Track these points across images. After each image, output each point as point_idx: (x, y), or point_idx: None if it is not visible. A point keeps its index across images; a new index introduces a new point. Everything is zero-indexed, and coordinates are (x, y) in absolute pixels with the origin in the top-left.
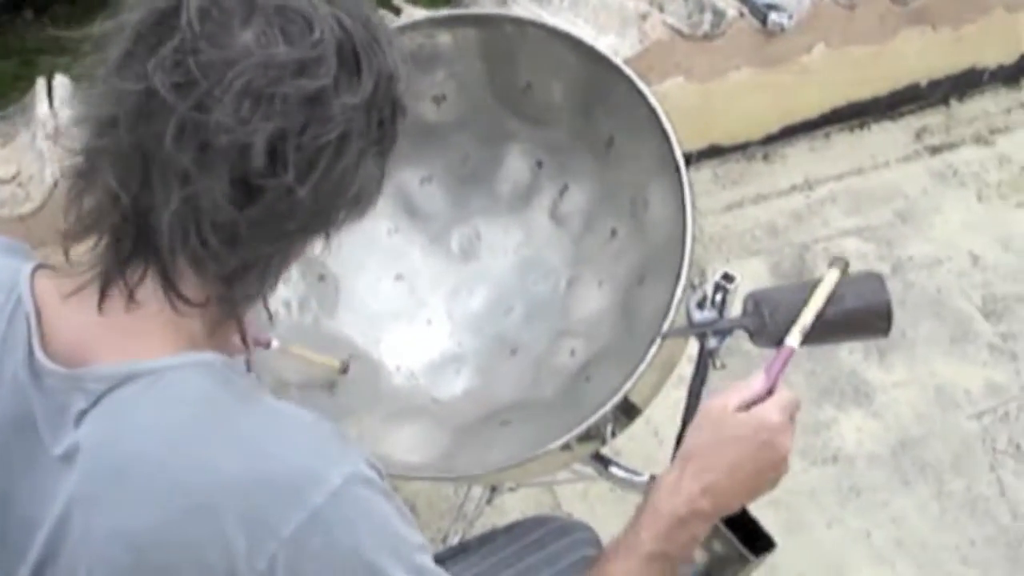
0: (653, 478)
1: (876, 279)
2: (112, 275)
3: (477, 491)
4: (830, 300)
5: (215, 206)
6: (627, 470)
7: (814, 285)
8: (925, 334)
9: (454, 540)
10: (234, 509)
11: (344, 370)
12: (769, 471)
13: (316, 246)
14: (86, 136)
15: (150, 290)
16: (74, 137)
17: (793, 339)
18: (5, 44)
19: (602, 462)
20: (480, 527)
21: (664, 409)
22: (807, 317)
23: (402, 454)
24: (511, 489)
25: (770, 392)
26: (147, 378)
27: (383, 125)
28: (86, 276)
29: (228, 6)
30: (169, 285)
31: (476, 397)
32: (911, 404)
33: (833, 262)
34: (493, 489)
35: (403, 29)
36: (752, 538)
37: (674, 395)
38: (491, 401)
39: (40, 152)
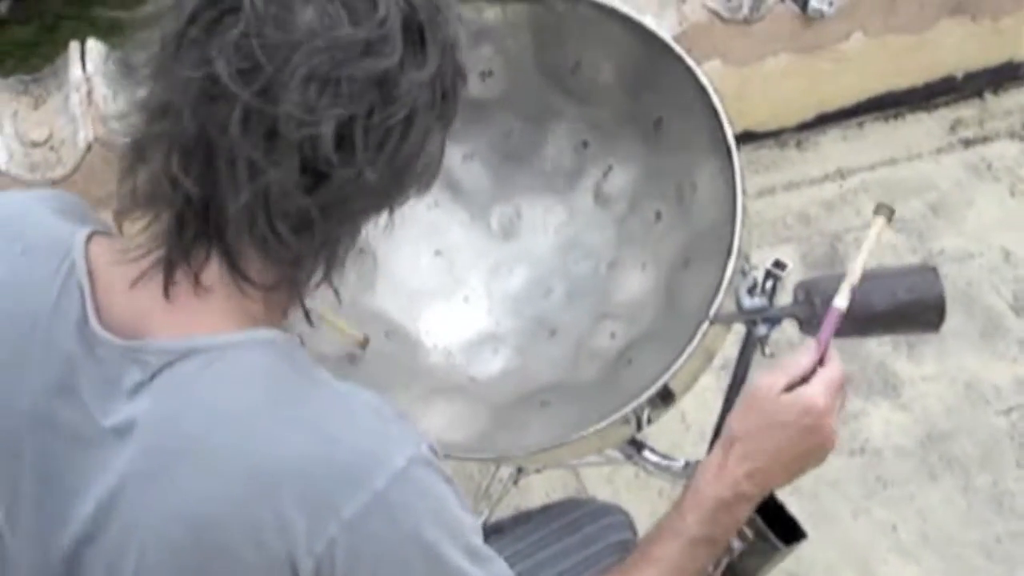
0: (688, 464)
1: (930, 272)
2: (176, 259)
3: (504, 471)
4: (880, 290)
5: (284, 194)
6: (661, 455)
7: (866, 274)
8: (955, 328)
9: (480, 520)
10: (295, 491)
11: (364, 345)
12: (814, 454)
13: (380, 221)
14: (138, 121)
15: (215, 272)
16: (121, 118)
17: (841, 299)
18: (26, 10)
19: (635, 446)
20: (504, 507)
21: (691, 395)
22: (855, 270)
23: (438, 432)
24: (537, 471)
25: (821, 360)
26: (208, 354)
27: (447, 96)
28: (148, 260)
29: None
30: (236, 269)
31: (514, 377)
32: (940, 398)
33: (878, 208)
34: (519, 470)
35: None
36: (783, 527)
37: (702, 382)
38: (529, 382)
39: (73, 116)
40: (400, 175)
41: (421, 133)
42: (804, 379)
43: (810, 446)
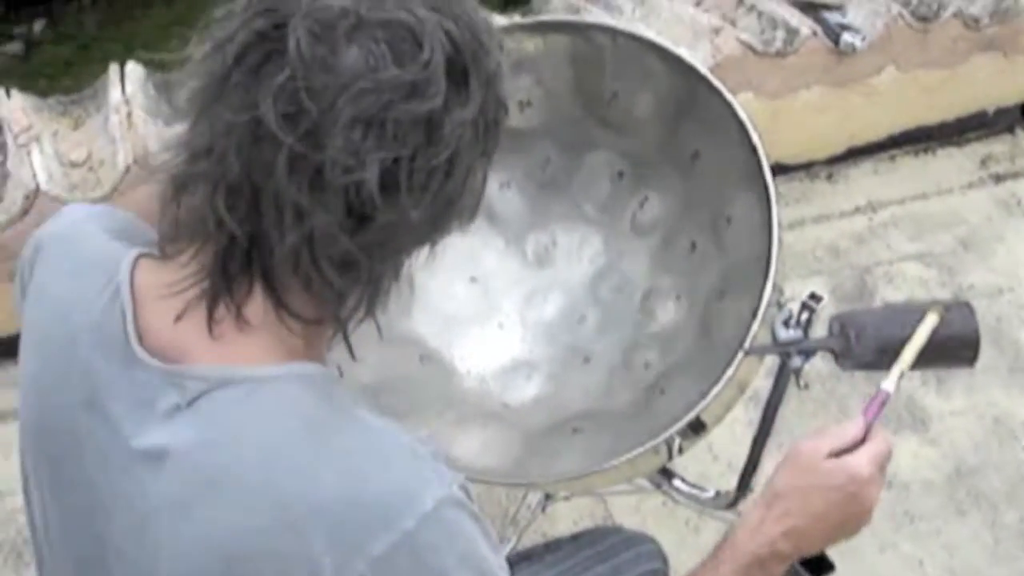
0: (719, 494)
1: (966, 308)
2: (219, 293)
3: (532, 498)
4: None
5: (329, 237)
6: (691, 484)
7: (903, 310)
8: (984, 363)
9: (507, 547)
10: (325, 528)
11: None
12: (852, 522)
13: (422, 254)
14: (179, 158)
15: (259, 306)
16: (163, 153)
17: (890, 383)
18: (61, 30)
19: (666, 475)
20: (531, 534)
21: (720, 426)
22: (906, 360)
23: (472, 458)
24: (565, 498)
25: (864, 437)
26: (247, 385)
27: (489, 130)
28: (192, 292)
29: (331, 20)
30: (280, 304)
31: (547, 404)
32: (968, 433)
33: (932, 305)
34: (548, 497)
35: None
36: (811, 560)
37: (730, 413)
38: (562, 409)
39: (112, 137)
40: (444, 212)
41: (464, 170)
42: (848, 449)
43: (850, 514)
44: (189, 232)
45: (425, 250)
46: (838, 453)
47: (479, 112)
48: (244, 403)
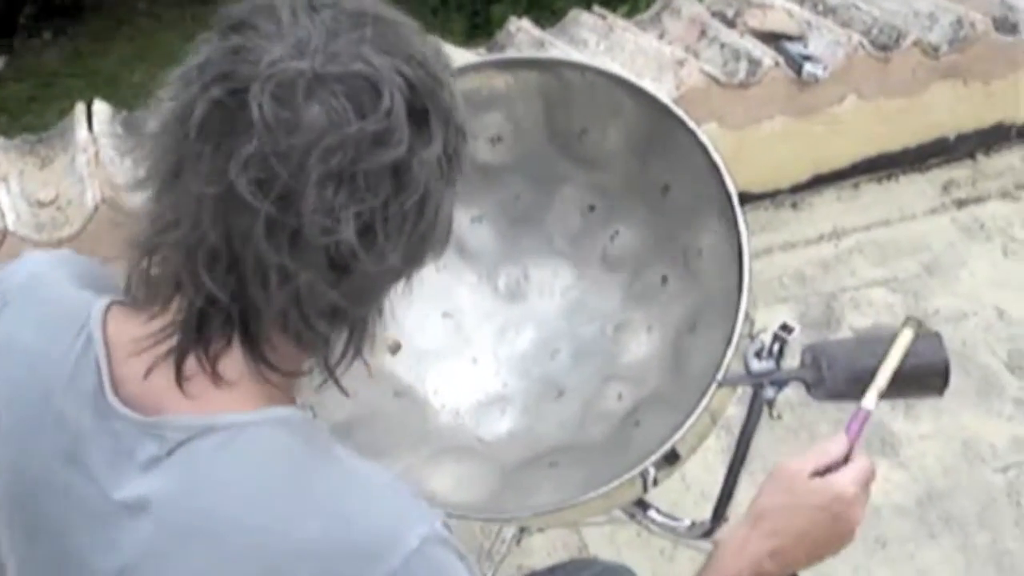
0: (694, 524)
1: (935, 338)
2: (189, 350)
3: (507, 531)
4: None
5: (315, 292)
6: (666, 515)
7: (873, 339)
8: (951, 387)
9: None
10: (310, 572)
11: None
12: (837, 541)
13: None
14: (147, 228)
15: (237, 362)
16: (132, 222)
17: (870, 401)
18: (22, 66)
19: (641, 507)
20: (507, 566)
21: (695, 457)
22: (883, 377)
23: (448, 493)
24: (539, 530)
25: (847, 456)
26: (226, 432)
27: (452, 161)
28: (161, 349)
29: (289, 81)
30: (262, 360)
31: (522, 438)
32: (937, 457)
33: (907, 321)
34: (522, 529)
35: (463, 71)
36: None
37: (707, 443)
38: (537, 443)
39: (80, 176)
40: (419, 249)
41: (435, 206)
42: (831, 468)
43: (835, 533)
44: (163, 292)
45: (401, 283)
46: (822, 472)
47: (443, 148)
48: (223, 451)
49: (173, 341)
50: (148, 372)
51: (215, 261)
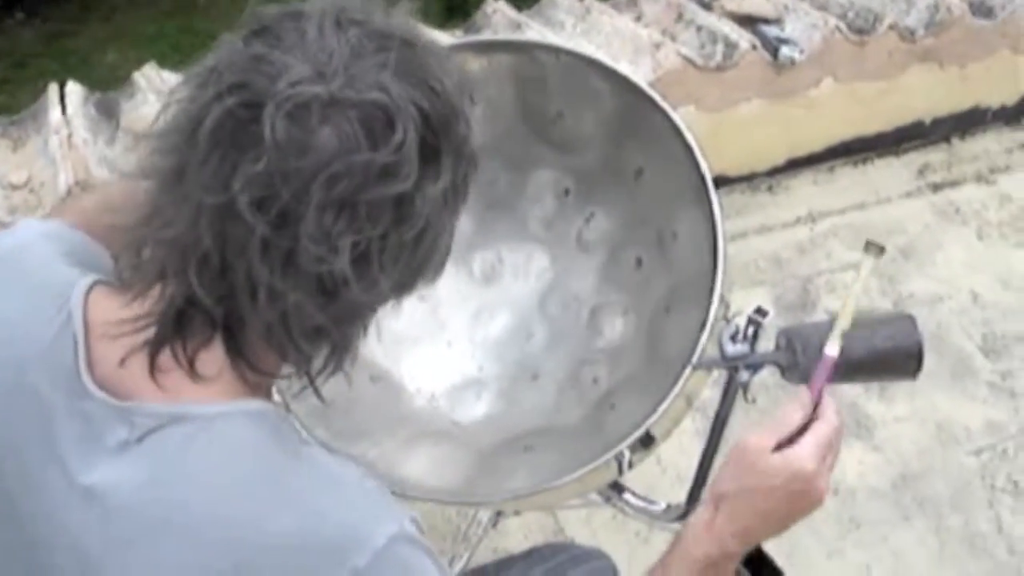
0: (669, 507)
1: (908, 320)
2: (165, 342)
3: (483, 514)
4: (859, 339)
5: (302, 313)
6: (642, 498)
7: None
8: (926, 369)
9: (458, 564)
10: (276, 567)
11: None
12: (801, 513)
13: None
14: (140, 220)
15: (217, 358)
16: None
17: (832, 347)
18: None
19: (616, 490)
20: (482, 549)
21: (670, 439)
22: (846, 314)
23: (423, 477)
24: (516, 513)
25: (815, 409)
26: (197, 422)
27: (459, 191)
28: (137, 339)
29: (305, 102)
30: (242, 359)
31: (497, 422)
32: (912, 439)
33: (868, 246)
34: (499, 513)
35: None
36: (760, 568)
37: (682, 424)
38: (513, 426)
39: (53, 159)
40: (413, 278)
41: (434, 237)
42: (793, 437)
43: (798, 508)
44: (149, 278)
45: (390, 303)
46: (784, 443)
47: (451, 182)
48: (194, 441)
49: (150, 333)
50: (123, 360)
51: (206, 265)
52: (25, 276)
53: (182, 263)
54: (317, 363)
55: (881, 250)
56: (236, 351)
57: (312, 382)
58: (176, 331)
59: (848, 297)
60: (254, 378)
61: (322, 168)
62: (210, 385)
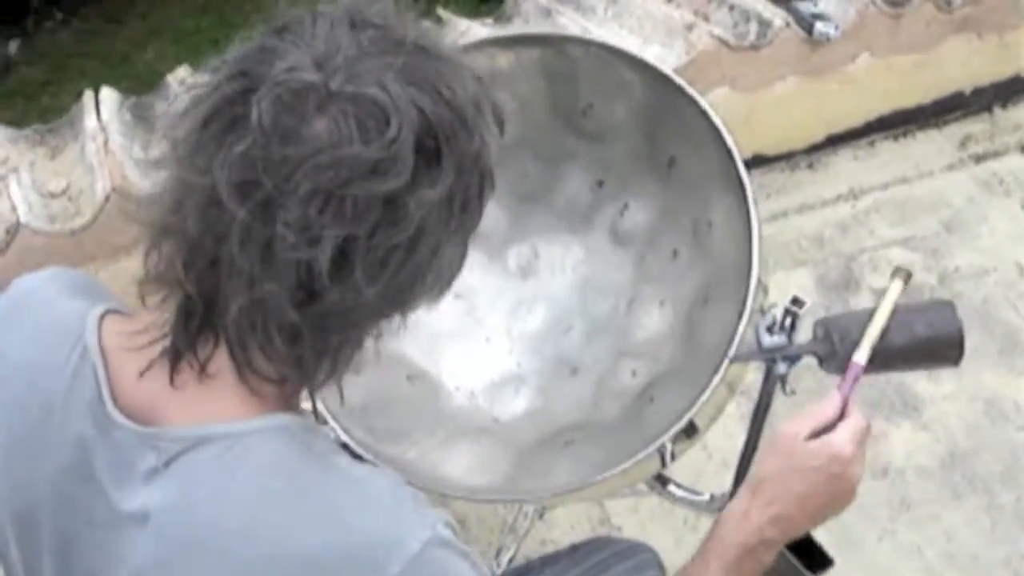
0: (713, 497)
1: (948, 307)
2: (181, 350)
3: (529, 506)
4: (899, 327)
5: (279, 309)
6: (686, 489)
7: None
8: (973, 346)
9: (506, 555)
10: None
11: None
12: (838, 501)
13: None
14: (155, 212)
15: (224, 362)
16: (143, 204)
17: (861, 355)
18: (34, 48)
19: (661, 481)
20: (530, 540)
21: (715, 424)
22: (873, 331)
23: (465, 474)
24: (561, 504)
25: (842, 413)
26: (223, 442)
27: (466, 207)
28: (155, 349)
29: (302, 91)
30: (241, 362)
31: (537, 417)
32: (960, 416)
33: (896, 272)
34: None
35: (465, 49)
36: (808, 555)
37: (726, 410)
38: (552, 421)
39: (90, 166)
40: (406, 290)
41: (430, 248)
42: (827, 428)
43: (835, 493)
44: (156, 282)
45: (395, 321)
46: (818, 433)
47: (451, 192)
48: (221, 461)
49: (167, 342)
50: (143, 374)
51: (196, 254)
52: (33, 318)
53: (175, 253)
54: (308, 371)
55: (909, 276)
56: (238, 353)
57: (312, 391)
58: (186, 338)
59: (879, 312)
60: (267, 388)
61: (308, 158)
62: (228, 398)
